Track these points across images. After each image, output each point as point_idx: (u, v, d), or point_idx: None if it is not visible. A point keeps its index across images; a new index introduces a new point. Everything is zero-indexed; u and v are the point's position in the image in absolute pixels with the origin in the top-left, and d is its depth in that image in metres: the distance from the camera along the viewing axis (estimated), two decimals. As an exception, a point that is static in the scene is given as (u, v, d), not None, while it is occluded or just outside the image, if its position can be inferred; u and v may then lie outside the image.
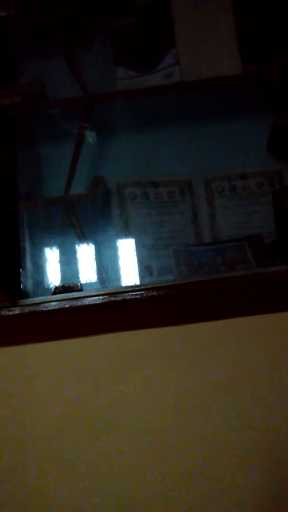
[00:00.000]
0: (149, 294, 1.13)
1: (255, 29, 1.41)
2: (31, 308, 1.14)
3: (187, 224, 1.45)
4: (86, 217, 1.41)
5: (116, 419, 1.10)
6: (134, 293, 1.14)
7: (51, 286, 1.35)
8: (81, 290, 1.19)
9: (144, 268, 1.38)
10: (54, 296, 1.18)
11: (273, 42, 1.40)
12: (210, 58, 1.38)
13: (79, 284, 1.21)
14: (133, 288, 1.16)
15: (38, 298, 1.17)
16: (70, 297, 1.15)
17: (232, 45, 1.38)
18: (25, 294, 1.27)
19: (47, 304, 1.14)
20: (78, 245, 1.43)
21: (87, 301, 1.14)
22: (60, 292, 1.19)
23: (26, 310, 1.14)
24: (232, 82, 1.37)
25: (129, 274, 1.39)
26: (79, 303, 1.14)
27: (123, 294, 1.14)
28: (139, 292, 1.14)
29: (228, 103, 1.48)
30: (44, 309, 1.13)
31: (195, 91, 1.40)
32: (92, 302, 1.14)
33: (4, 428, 1.11)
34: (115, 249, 1.41)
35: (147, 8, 1.45)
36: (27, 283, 1.32)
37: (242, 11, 1.40)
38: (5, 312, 1.13)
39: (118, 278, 1.39)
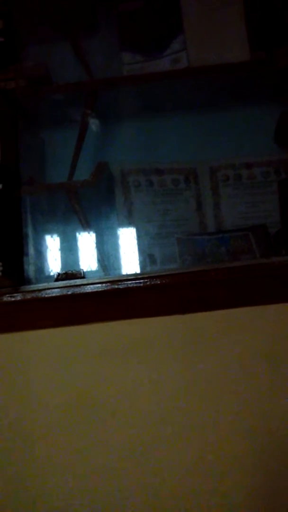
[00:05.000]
0: (152, 283, 1.13)
1: (264, 15, 1.39)
2: (33, 295, 1.13)
3: (191, 213, 1.44)
4: (89, 204, 1.40)
5: (116, 408, 1.10)
6: (137, 281, 1.13)
7: (53, 273, 1.35)
8: (83, 277, 1.19)
9: (147, 257, 1.38)
10: (56, 283, 1.18)
11: (282, 29, 1.38)
12: (218, 44, 1.36)
13: (81, 271, 1.20)
14: (136, 276, 1.16)
15: (40, 285, 1.17)
16: (73, 284, 1.15)
17: (240, 31, 1.36)
18: (27, 281, 1.26)
19: (50, 290, 1.13)
20: (81, 232, 1.42)
21: (90, 289, 1.13)
22: (62, 279, 1.18)
23: (28, 296, 1.13)
24: (240, 68, 1.36)
25: (132, 262, 1.38)
26: (81, 290, 1.13)
27: (126, 282, 1.13)
28: (142, 280, 1.13)
29: (235, 91, 1.46)
30: (46, 295, 1.13)
31: (202, 77, 1.38)
32: (95, 290, 1.13)
33: (3, 415, 1.11)
34: (118, 236, 1.41)
35: (154, -9, 1.42)
36: (30, 269, 1.31)
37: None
38: (7, 298, 1.13)
39: (121, 266, 1.39)
